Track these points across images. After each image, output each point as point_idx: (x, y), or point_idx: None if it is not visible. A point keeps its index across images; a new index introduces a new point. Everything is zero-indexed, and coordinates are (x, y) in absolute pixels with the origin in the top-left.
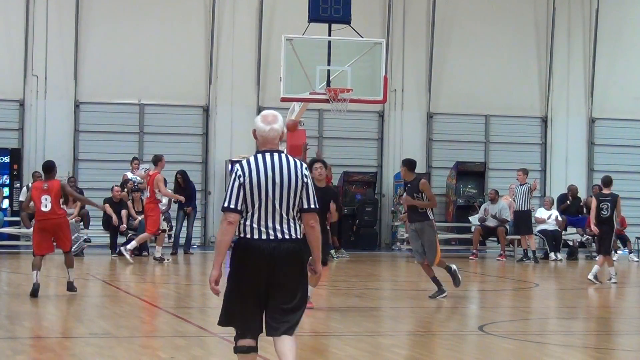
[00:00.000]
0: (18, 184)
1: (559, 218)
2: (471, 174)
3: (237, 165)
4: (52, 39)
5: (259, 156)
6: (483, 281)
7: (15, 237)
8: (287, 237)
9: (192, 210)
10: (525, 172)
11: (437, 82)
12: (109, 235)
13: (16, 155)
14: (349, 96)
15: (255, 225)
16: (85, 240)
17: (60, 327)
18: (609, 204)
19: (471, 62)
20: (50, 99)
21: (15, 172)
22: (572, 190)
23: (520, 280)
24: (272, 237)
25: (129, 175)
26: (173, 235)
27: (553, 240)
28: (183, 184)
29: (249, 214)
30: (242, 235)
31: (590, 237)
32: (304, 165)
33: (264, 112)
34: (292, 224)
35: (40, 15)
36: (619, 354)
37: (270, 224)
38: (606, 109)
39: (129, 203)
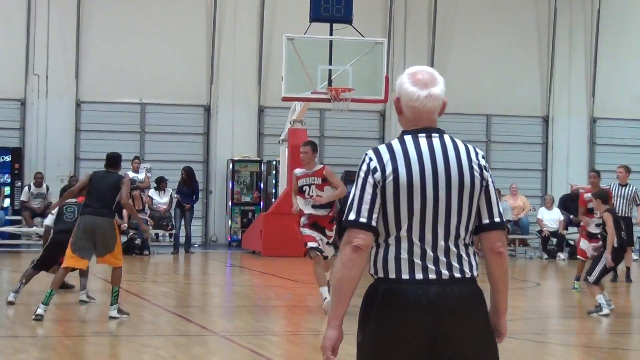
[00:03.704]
0: (19, 183)
1: (561, 218)
2: None
3: (370, 152)
4: (54, 38)
5: (408, 139)
6: (483, 281)
7: (16, 236)
8: (458, 274)
9: (190, 208)
10: (628, 170)
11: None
12: None
13: (17, 154)
14: (350, 96)
15: (404, 256)
16: None
17: (61, 325)
18: None
19: (472, 61)
20: (52, 98)
21: (16, 171)
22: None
23: (521, 280)
24: (432, 277)
25: (130, 174)
26: (173, 235)
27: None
28: (188, 181)
29: (392, 236)
30: (379, 275)
31: None
32: (480, 153)
33: (412, 69)
34: (464, 253)
35: (41, 15)
36: (620, 353)
37: (429, 254)
38: (607, 109)
39: (130, 202)
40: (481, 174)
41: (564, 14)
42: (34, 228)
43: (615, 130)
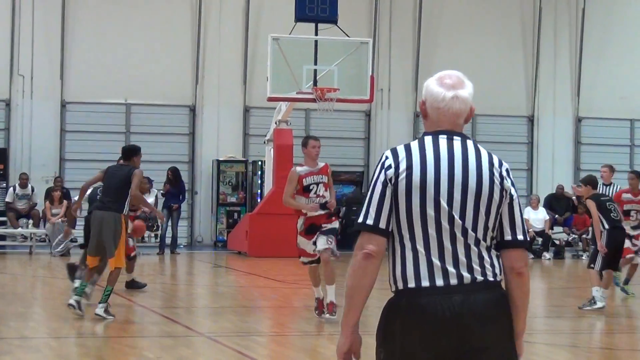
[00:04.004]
0: (4, 184)
1: (547, 218)
2: None
3: (387, 152)
4: (39, 39)
5: (428, 139)
6: None
7: (1, 237)
8: (480, 277)
9: (177, 209)
10: (612, 169)
11: (424, 82)
12: None
13: (2, 155)
14: (335, 95)
15: (422, 260)
16: (71, 240)
17: (46, 327)
18: None
19: (457, 61)
20: (37, 98)
21: (1, 172)
22: (560, 189)
23: None
24: (454, 282)
25: None
26: (159, 235)
27: (541, 239)
28: (174, 181)
29: (407, 241)
30: (398, 286)
31: (576, 236)
32: (505, 165)
33: (441, 73)
34: (486, 255)
35: (26, 15)
36: (605, 352)
37: (448, 256)
38: (592, 109)
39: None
40: (502, 184)
41: (549, 14)
42: (19, 229)
43: (600, 130)
